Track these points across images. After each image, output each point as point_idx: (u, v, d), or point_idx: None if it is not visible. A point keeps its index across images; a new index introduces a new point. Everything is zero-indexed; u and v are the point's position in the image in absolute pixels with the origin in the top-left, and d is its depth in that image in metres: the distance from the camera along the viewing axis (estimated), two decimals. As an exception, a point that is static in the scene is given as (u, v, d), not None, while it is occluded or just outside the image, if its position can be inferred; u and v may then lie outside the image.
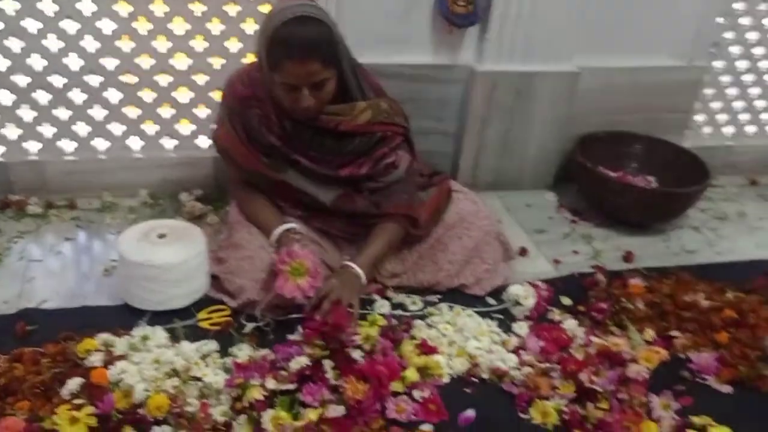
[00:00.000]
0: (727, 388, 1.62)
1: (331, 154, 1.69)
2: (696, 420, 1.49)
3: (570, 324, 1.74)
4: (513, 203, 2.34)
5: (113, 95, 2.05)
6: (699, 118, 2.66)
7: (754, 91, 2.67)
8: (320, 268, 1.60)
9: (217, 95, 2.07)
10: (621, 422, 1.47)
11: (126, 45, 1.99)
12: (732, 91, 2.65)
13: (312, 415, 1.38)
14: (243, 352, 1.53)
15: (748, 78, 2.63)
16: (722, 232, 2.32)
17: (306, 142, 1.66)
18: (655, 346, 1.69)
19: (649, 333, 1.74)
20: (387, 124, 1.70)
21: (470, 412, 1.48)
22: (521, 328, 1.73)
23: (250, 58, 2.06)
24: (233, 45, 2.08)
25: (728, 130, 2.72)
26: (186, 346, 1.50)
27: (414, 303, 1.80)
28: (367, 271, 1.66)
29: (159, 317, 1.62)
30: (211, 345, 1.54)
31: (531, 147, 2.37)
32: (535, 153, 2.38)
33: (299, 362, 1.47)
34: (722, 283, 1.94)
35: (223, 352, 1.53)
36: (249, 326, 1.63)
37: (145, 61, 2.03)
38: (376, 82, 1.74)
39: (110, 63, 2.00)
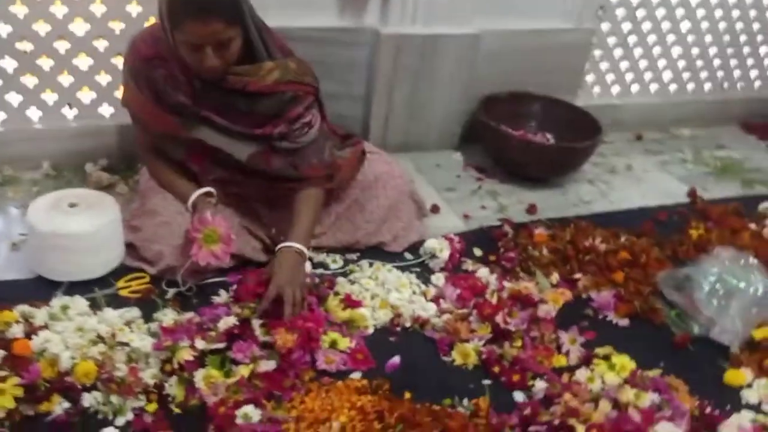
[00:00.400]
0: (624, 322, 1.78)
1: (241, 114, 1.68)
2: (599, 351, 1.63)
3: (483, 272, 1.84)
4: (422, 164, 2.42)
5: (9, 64, 1.94)
6: (589, 78, 2.82)
7: (638, 51, 2.87)
8: (233, 233, 1.61)
9: (119, 61, 2.00)
10: (534, 357, 1.59)
11: (20, 11, 1.88)
12: (618, 52, 2.84)
13: (244, 371, 1.41)
14: (168, 317, 1.53)
15: (632, 39, 2.82)
16: (613, 183, 2.50)
17: (216, 101, 1.65)
18: (560, 288, 1.83)
19: (554, 276, 1.87)
20: (296, 83, 1.71)
21: (396, 359, 1.55)
22: (438, 279, 1.81)
23: (151, 22, 2.00)
24: (134, 8, 2.01)
25: (616, 89, 2.91)
26: (109, 312, 1.48)
27: (334, 261, 1.84)
28: (306, 244, 1.66)
29: (76, 287, 1.58)
30: (134, 312, 1.52)
31: (437, 109, 2.45)
32: (441, 114, 2.46)
33: (227, 322, 1.48)
34: (616, 229, 2.10)
35: (147, 318, 1.52)
36: (171, 292, 1.62)
37: (42, 28, 1.93)
38: (283, 43, 1.74)
39: (4, 30, 1.89)
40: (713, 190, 2.52)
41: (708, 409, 1.50)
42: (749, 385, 1.61)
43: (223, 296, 1.63)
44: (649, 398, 1.48)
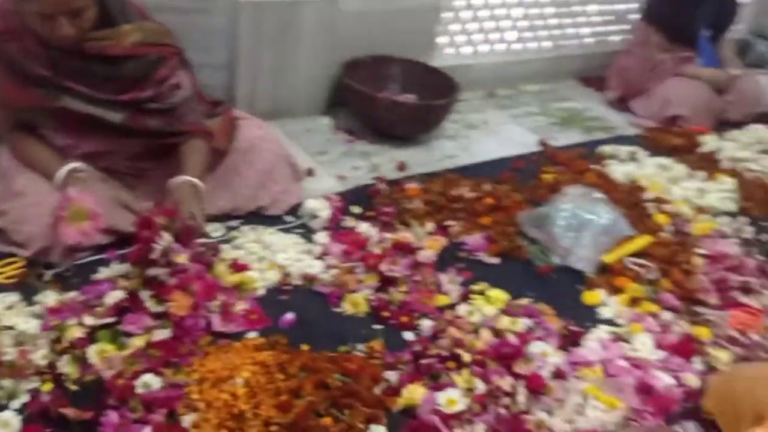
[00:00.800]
0: (495, 260, 1.93)
1: (105, 80, 1.63)
2: (476, 287, 1.77)
3: (363, 227, 1.92)
4: (292, 130, 2.45)
5: None
6: (442, 40, 2.97)
7: (484, 13, 3.04)
8: (102, 208, 1.57)
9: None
10: (419, 299, 1.70)
11: None
12: (466, 15, 3.00)
13: (138, 342, 1.40)
14: (49, 298, 1.48)
15: (477, 1, 2.99)
16: (473, 138, 2.67)
17: (76, 70, 1.59)
18: (435, 235, 1.95)
19: (429, 225, 1.99)
20: (158, 45, 1.68)
21: (290, 315, 1.60)
22: (322, 237, 1.87)
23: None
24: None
25: (467, 50, 3.08)
26: (-14, 299, 1.41)
27: (216, 230, 1.85)
28: (200, 178, 1.70)
29: (-59, 278, 1.49)
30: (13, 297, 1.46)
31: (302, 74, 2.48)
32: (306, 80, 2.50)
33: (115, 296, 1.46)
34: (480, 179, 2.26)
35: (29, 301, 1.47)
36: (48, 273, 1.56)
37: None
38: (141, 8, 1.70)
39: None
40: (560, 138, 2.75)
41: (572, 327, 1.68)
42: (604, 304, 1.83)
43: (104, 272, 1.59)
44: (522, 323, 1.64)
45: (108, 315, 1.43)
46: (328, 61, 2.51)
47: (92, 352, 1.35)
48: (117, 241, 1.66)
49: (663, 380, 1.55)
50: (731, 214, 2.35)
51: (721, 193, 2.42)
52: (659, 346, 1.67)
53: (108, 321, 1.42)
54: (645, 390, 1.52)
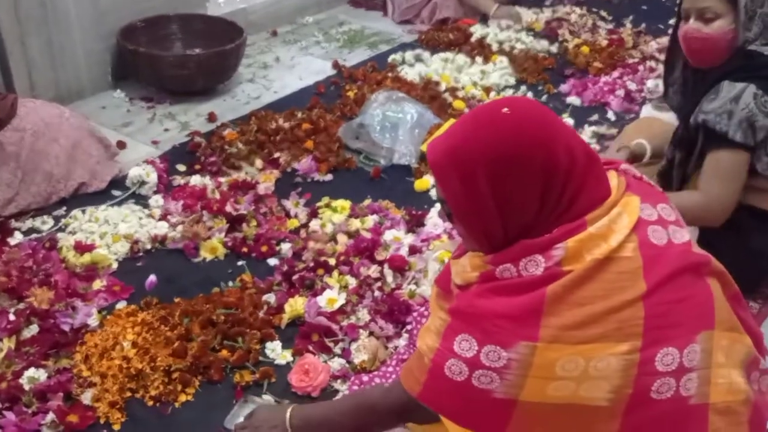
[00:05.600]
0: (328, 177, 2.04)
1: None
2: (320, 204, 1.88)
3: (196, 180, 1.93)
4: (86, 110, 2.32)
5: None
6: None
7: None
8: None
9: None
10: (271, 228, 1.77)
11: None
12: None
13: (8, 343, 1.35)
14: None
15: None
16: (270, 76, 2.71)
17: None
18: (267, 170, 2.01)
19: (258, 162, 2.05)
20: None
21: (152, 277, 1.61)
22: (157, 200, 1.86)
23: None
24: None
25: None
26: None
27: (44, 223, 1.77)
28: None
29: None
30: None
31: (78, 52, 2.35)
32: (85, 57, 2.38)
33: (-38, 310, 1.38)
34: (291, 110, 2.34)
35: None
36: None
37: None
38: None
39: None
40: (350, 59, 2.89)
41: (413, 212, 1.85)
42: (434, 186, 2.02)
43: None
44: (371, 220, 1.78)
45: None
46: (102, 32, 2.41)
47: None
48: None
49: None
50: (512, 87, 2.65)
51: (499, 71, 2.71)
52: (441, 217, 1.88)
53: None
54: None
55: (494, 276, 0.87)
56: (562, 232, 0.84)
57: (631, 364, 0.80)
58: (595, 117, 2.45)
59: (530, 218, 0.85)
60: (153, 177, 1.91)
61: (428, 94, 2.47)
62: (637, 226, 0.85)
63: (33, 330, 1.38)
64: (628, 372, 0.80)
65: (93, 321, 1.44)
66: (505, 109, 0.85)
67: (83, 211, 1.80)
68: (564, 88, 2.64)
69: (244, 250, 1.70)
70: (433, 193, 1.98)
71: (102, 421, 1.26)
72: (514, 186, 0.83)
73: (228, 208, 1.77)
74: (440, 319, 0.90)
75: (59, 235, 1.70)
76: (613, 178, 0.90)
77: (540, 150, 0.83)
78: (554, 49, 3.03)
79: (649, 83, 2.68)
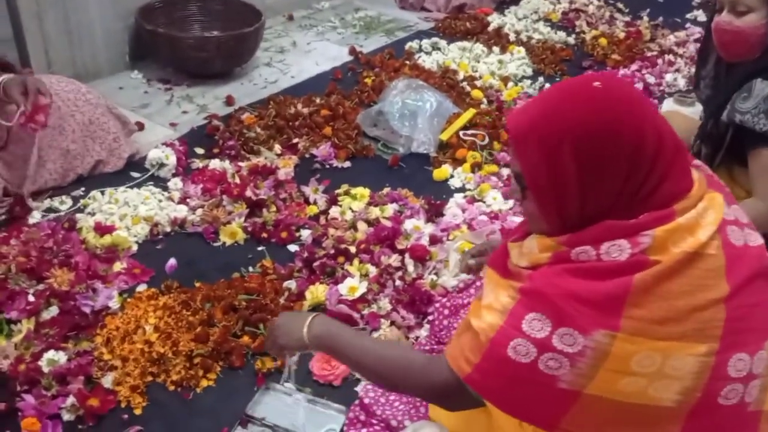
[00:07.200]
0: (347, 164, 2.03)
1: None
2: (339, 191, 1.86)
3: (215, 163, 1.92)
4: (104, 90, 2.30)
5: None
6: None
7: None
8: None
9: None
10: (291, 214, 1.76)
11: None
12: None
13: (27, 325, 1.34)
14: None
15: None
16: (287, 61, 2.70)
17: None
18: (286, 155, 2.00)
19: (277, 147, 2.03)
20: None
21: (172, 261, 1.60)
22: (176, 183, 1.85)
23: None
24: None
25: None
26: None
27: (62, 203, 1.76)
28: None
29: None
30: None
31: (97, 31, 2.34)
32: (103, 36, 2.36)
33: (-15, 290, 1.37)
34: (309, 95, 2.32)
35: None
36: None
37: None
38: None
39: None
40: (367, 45, 2.87)
41: (433, 201, 1.84)
42: (452, 175, 2.01)
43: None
44: (390, 208, 1.77)
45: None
46: (120, 11, 2.39)
47: (-22, 348, 1.27)
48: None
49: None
50: (530, 78, 2.63)
51: (517, 61, 2.69)
52: (507, 196, 1.88)
53: (-15, 315, 1.33)
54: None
55: (569, 257, 0.81)
56: (650, 219, 0.78)
57: (706, 367, 0.77)
58: (614, 110, 2.43)
59: (610, 200, 0.79)
60: (172, 159, 1.90)
61: (446, 82, 2.45)
62: (720, 224, 0.81)
63: (52, 312, 1.38)
64: (701, 375, 0.77)
65: (114, 304, 1.43)
66: (597, 83, 0.80)
67: (102, 192, 1.79)
68: (583, 80, 2.62)
69: (264, 235, 1.69)
70: (453, 182, 1.97)
71: (123, 405, 1.26)
72: (601, 164, 0.78)
73: (248, 192, 1.76)
74: (508, 297, 0.83)
75: (78, 215, 1.69)
76: (694, 172, 0.85)
77: (630, 129, 0.78)
78: (571, 40, 3.01)
79: (668, 77, 2.66)
